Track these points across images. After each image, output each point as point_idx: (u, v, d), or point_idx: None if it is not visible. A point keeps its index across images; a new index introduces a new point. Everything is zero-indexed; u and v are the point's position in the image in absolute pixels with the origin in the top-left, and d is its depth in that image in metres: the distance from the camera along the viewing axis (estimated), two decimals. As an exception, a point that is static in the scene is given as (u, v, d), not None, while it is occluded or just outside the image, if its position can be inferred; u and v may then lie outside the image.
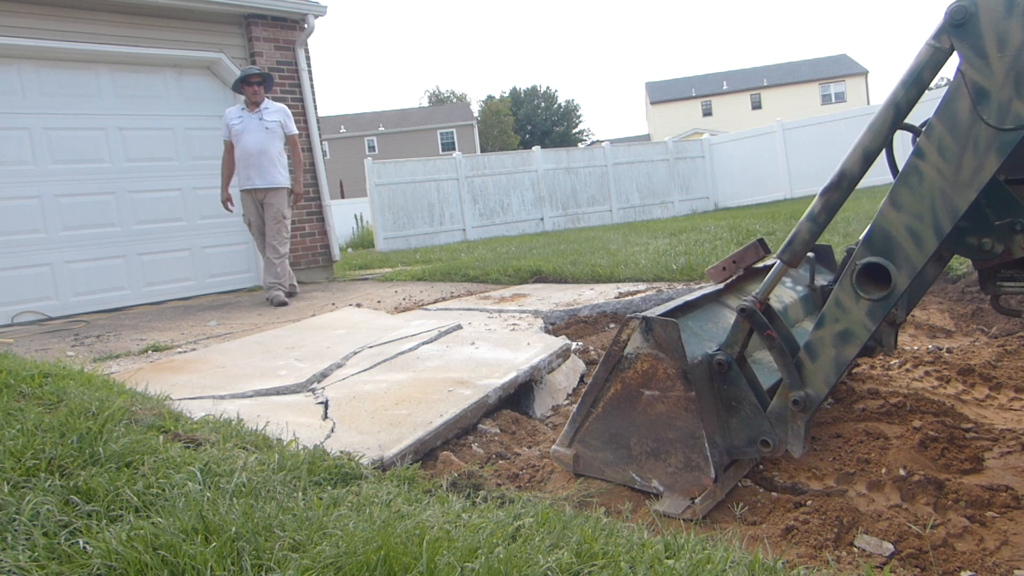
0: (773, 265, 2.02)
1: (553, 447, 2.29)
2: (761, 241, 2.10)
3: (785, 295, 2.71)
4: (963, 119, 1.71)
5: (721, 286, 2.39)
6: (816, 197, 1.93)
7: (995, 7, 1.64)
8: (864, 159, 1.87)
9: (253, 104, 5.97)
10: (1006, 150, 1.67)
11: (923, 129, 1.82)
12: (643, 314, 2.06)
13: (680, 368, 1.99)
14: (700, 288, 2.81)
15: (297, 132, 6.30)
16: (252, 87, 5.94)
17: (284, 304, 5.89)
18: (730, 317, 2.24)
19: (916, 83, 1.78)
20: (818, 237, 1.95)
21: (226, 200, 6.17)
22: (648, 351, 2.05)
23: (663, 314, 2.08)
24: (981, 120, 1.68)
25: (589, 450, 2.19)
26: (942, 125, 1.74)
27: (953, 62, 1.75)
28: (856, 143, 1.89)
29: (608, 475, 2.16)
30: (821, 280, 3.01)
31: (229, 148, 6.07)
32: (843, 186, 1.89)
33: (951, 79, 1.75)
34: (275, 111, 6.05)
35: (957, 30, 1.69)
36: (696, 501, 1.98)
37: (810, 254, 2.95)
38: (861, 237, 1.91)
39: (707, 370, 2.05)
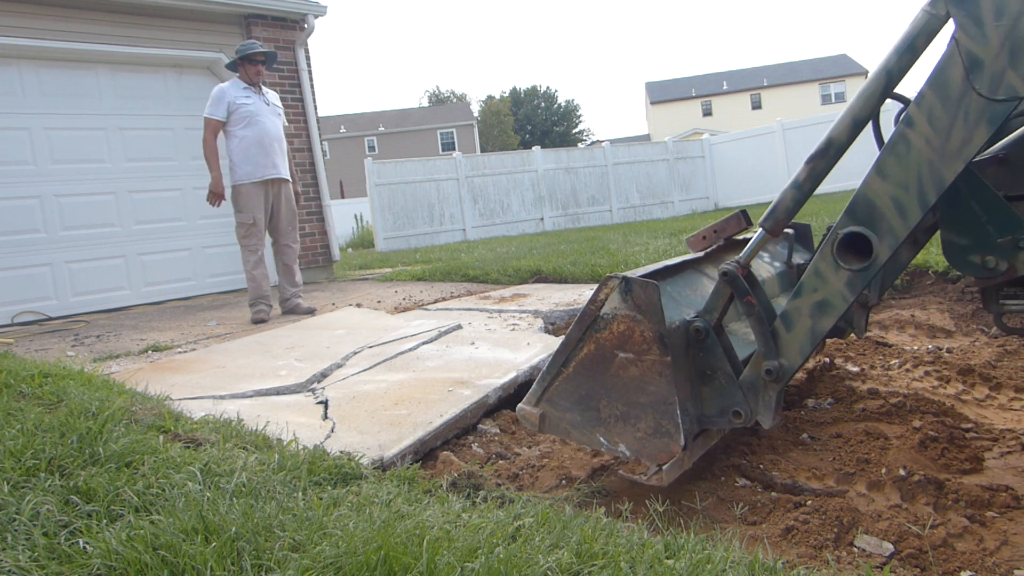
0: (753, 236, 1.99)
1: (519, 405, 2.20)
2: (743, 212, 2.07)
3: (763, 269, 2.67)
4: (955, 88, 1.66)
5: (701, 254, 2.36)
6: (802, 164, 1.89)
7: None
8: (853, 126, 1.83)
9: (255, 85, 5.20)
10: (997, 121, 1.63)
11: (914, 99, 1.77)
12: (623, 274, 2.00)
13: (658, 332, 1.92)
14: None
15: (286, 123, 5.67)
16: (256, 66, 5.15)
17: (312, 312, 5.29)
18: (708, 286, 2.21)
19: (910, 50, 1.74)
20: (802, 205, 1.91)
21: (222, 192, 5.06)
22: (626, 312, 1.97)
23: (643, 276, 2.02)
24: (973, 90, 1.63)
25: (556, 410, 2.11)
26: (933, 94, 1.69)
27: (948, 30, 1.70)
28: (846, 110, 1.84)
29: (574, 437, 2.10)
30: (798, 258, 2.96)
31: (215, 129, 5.04)
32: (830, 153, 1.84)
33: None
34: (274, 96, 5.40)
35: None
36: (664, 468, 1.95)
37: (789, 231, 2.91)
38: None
39: (684, 336, 2.01)
